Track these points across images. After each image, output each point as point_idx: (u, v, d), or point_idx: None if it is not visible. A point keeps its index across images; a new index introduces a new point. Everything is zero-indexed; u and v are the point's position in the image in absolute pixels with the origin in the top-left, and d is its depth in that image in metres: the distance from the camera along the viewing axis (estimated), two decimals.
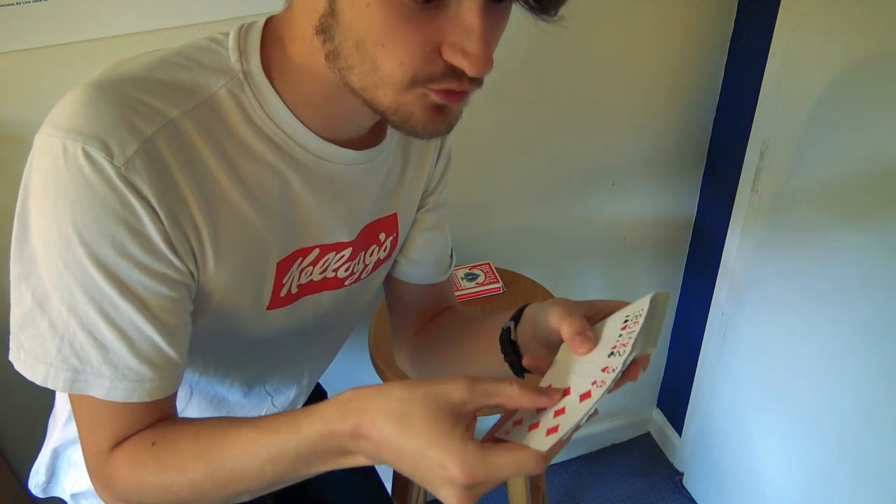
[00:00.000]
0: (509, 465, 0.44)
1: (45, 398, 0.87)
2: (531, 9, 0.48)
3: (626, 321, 0.52)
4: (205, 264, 0.54)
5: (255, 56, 0.55)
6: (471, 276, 1.24)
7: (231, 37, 0.55)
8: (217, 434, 0.52)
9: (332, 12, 0.47)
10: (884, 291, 1.06)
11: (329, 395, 1.00)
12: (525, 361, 0.58)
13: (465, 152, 1.26)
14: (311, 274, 0.65)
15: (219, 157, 0.53)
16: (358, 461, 0.49)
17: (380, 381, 1.03)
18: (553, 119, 1.29)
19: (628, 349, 0.49)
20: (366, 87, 0.50)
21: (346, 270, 0.68)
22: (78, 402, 0.54)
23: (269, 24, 0.57)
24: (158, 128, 0.49)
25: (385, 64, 0.47)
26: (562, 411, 0.47)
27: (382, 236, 0.71)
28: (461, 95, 0.51)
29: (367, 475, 0.97)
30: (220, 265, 0.55)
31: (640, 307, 0.53)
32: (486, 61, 0.46)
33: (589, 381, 0.48)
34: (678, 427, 1.79)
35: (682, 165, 1.47)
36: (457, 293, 1.19)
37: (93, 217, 0.48)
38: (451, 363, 0.75)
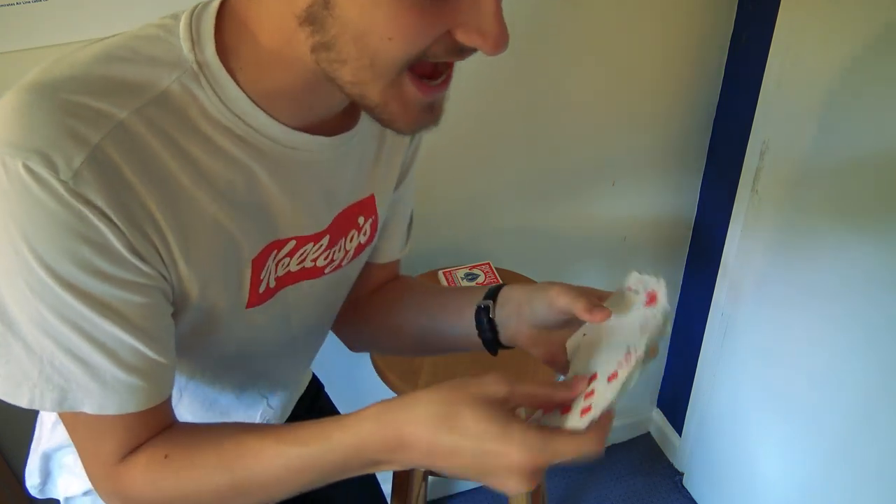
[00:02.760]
0: (571, 448, 0.46)
1: None
2: None
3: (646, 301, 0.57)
4: (175, 267, 0.52)
5: (210, 44, 0.50)
6: (471, 276, 1.24)
7: (182, 24, 0.50)
8: (236, 446, 0.52)
9: (325, 4, 0.45)
10: (884, 291, 1.06)
11: (326, 389, 1.01)
12: (545, 359, 0.61)
13: (465, 152, 1.26)
14: (287, 265, 0.62)
15: (178, 156, 0.49)
16: (389, 468, 0.51)
17: (379, 380, 1.03)
18: (553, 119, 1.29)
19: (658, 323, 0.54)
20: (357, 82, 0.47)
21: (325, 259, 0.65)
22: (72, 419, 0.52)
23: (227, 6, 0.51)
24: (106, 133, 0.45)
25: (388, 56, 0.45)
26: (591, 394, 0.50)
27: (361, 220, 0.68)
28: (443, 87, 0.50)
29: (366, 475, 0.97)
30: (191, 267, 0.52)
31: (649, 286, 0.57)
32: (505, 38, 0.45)
33: (614, 363, 0.52)
34: (678, 427, 1.79)
35: (682, 165, 1.47)
36: None
37: (48, 235, 0.44)
38: (408, 337, 0.76)
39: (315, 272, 0.66)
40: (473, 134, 1.24)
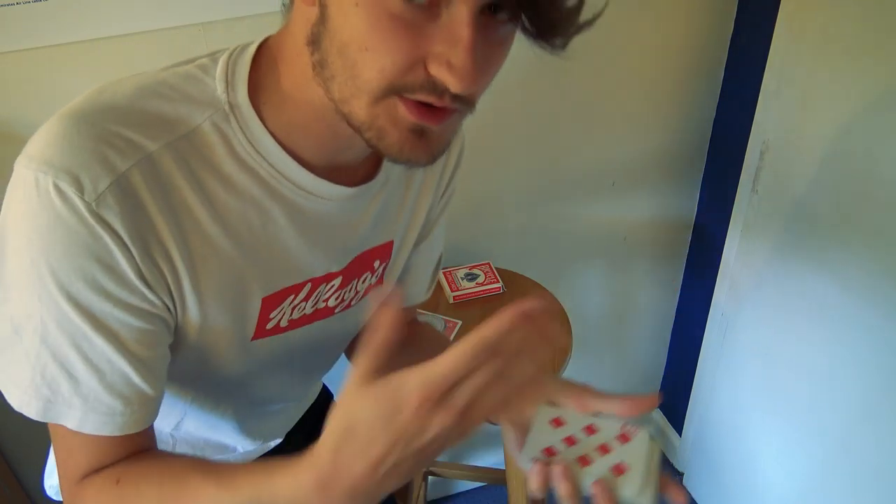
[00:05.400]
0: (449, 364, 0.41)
1: None
2: (526, 32, 0.44)
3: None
4: (182, 299, 0.53)
5: (243, 86, 0.52)
6: (471, 276, 1.24)
7: (220, 64, 0.52)
8: (179, 485, 0.51)
9: (322, 19, 0.45)
10: (884, 291, 1.06)
11: (335, 395, 1.01)
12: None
13: (466, 152, 1.26)
14: (304, 309, 0.64)
15: (198, 191, 0.51)
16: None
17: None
18: (553, 119, 1.29)
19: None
20: (344, 99, 0.47)
21: (336, 299, 0.66)
22: (53, 429, 0.54)
23: (265, 47, 0.54)
24: (134, 162, 0.48)
25: (365, 70, 0.44)
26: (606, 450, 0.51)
27: (377, 263, 0.69)
28: (440, 116, 0.47)
29: None
30: (199, 299, 0.54)
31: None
32: (472, 77, 0.43)
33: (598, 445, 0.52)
34: (678, 427, 1.79)
35: (682, 165, 1.47)
36: (457, 293, 1.19)
37: (64, 251, 0.47)
38: None
39: (326, 312, 0.67)
40: (473, 134, 1.24)
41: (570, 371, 1.08)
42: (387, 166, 0.63)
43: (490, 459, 1.75)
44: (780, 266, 1.28)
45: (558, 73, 1.23)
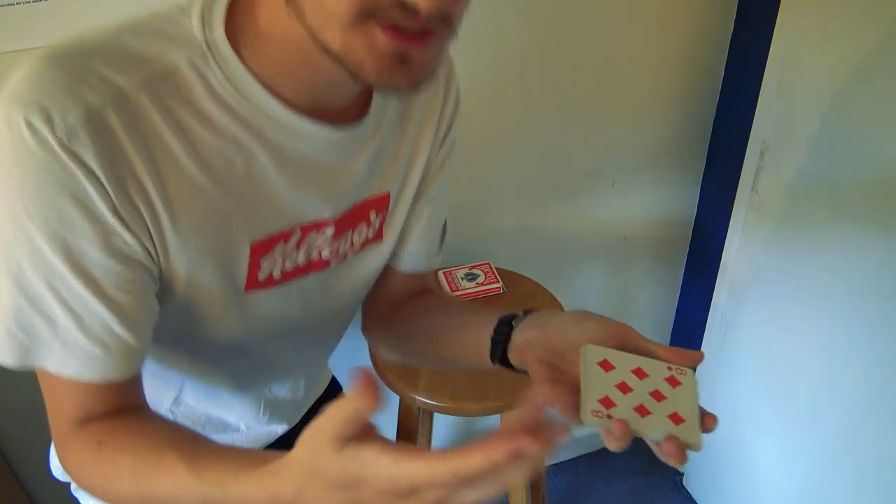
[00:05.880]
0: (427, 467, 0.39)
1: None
2: None
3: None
4: (164, 242, 0.52)
5: (220, 24, 0.51)
6: (471, 276, 1.24)
7: (196, 5, 0.52)
8: (154, 459, 0.50)
9: None
10: (884, 291, 1.06)
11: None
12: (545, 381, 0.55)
13: (466, 152, 1.26)
14: (296, 259, 0.62)
15: (175, 130, 0.50)
16: None
17: (377, 376, 1.03)
18: (553, 119, 1.29)
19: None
20: (316, 29, 0.46)
21: (330, 251, 0.65)
22: (40, 376, 0.53)
23: None
24: (107, 98, 0.47)
25: None
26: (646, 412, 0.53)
27: (373, 215, 0.67)
28: (420, 40, 0.46)
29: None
30: (181, 242, 0.53)
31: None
32: None
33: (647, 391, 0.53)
34: None
35: (682, 165, 1.47)
36: (457, 293, 1.19)
37: (38, 188, 0.46)
38: (434, 351, 0.74)
39: (321, 264, 0.65)
40: (473, 134, 1.24)
41: None
42: (377, 111, 0.62)
43: None
44: (779, 266, 1.28)
45: (558, 72, 1.23)
